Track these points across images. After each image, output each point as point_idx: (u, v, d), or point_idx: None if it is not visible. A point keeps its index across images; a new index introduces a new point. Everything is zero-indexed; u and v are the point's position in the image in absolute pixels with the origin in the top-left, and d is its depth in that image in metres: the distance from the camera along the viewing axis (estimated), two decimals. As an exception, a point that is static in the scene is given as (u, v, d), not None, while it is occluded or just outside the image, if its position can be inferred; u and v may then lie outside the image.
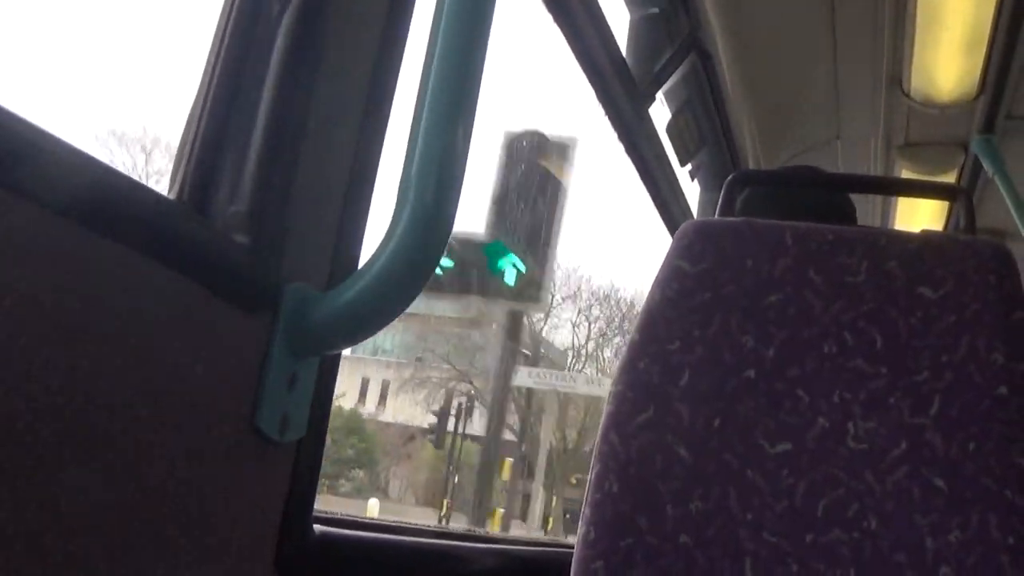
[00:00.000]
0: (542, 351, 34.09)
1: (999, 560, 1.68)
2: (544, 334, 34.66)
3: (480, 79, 1.24)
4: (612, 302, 35.75)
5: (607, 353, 35.61)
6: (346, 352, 1.62)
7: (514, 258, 14.52)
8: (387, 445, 35.99)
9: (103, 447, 1.01)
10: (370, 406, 37.21)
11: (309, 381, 1.31)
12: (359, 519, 2.06)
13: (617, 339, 34.01)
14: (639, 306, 2.12)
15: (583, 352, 36.26)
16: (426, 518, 26.43)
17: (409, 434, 35.20)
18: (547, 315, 33.67)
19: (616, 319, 35.10)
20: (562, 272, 33.59)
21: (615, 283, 49.60)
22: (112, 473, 1.03)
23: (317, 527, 1.39)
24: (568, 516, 32.46)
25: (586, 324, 36.02)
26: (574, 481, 32.63)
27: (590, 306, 35.94)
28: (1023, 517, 1.68)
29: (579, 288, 35.56)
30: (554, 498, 34.49)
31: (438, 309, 28.69)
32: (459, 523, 26.03)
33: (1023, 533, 1.68)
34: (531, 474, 33.90)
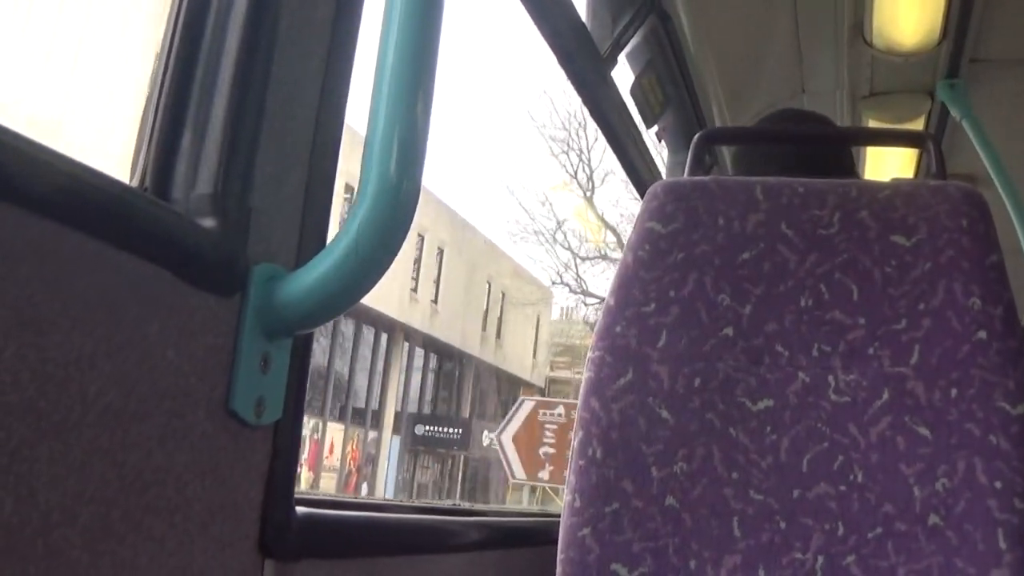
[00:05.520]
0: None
1: (987, 505, 1.68)
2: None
3: (437, 51, 1.23)
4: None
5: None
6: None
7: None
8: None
9: (77, 438, 1.00)
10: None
11: (283, 362, 1.30)
12: (342, 499, 2.05)
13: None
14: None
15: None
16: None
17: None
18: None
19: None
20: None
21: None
22: (88, 463, 1.02)
23: (299, 508, 1.38)
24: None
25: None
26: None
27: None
28: (1009, 461, 1.68)
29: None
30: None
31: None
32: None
33: (1009, 477, 1.68)
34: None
